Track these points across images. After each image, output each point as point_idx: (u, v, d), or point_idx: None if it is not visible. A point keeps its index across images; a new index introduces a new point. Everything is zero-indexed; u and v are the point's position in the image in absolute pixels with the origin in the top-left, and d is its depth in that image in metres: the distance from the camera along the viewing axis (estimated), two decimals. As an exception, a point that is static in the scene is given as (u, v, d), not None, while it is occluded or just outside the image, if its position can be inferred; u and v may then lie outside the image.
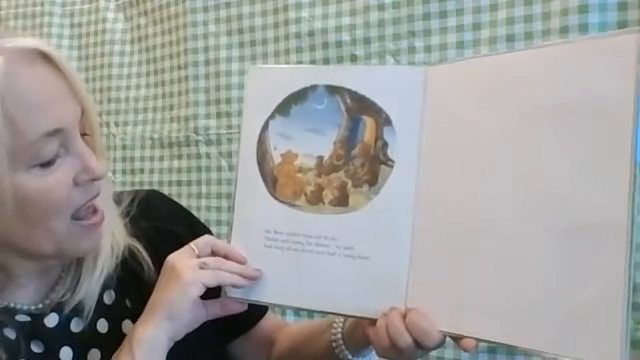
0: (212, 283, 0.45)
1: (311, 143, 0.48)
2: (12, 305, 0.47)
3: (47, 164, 0.42)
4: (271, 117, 0.49)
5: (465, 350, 0.40)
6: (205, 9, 0.91)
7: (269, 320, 0.58)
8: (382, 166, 0.46)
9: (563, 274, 0.37)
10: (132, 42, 1.02)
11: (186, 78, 0.95)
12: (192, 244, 0.46)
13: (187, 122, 0.96)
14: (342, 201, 0.47)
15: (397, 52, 0.78)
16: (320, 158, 0.48)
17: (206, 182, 0.94)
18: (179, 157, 0.96)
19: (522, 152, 0.40)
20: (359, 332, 0.48)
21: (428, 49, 0.76)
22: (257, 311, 0.56)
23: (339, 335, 0.51)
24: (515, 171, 0.40)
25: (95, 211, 0.45)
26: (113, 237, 0.49)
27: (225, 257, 0.47)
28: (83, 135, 0.45)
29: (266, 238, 0.48)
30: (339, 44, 0.82)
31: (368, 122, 0.47)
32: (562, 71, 0.39)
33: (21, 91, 0.40)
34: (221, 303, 0.48)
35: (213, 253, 0.47)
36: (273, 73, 0.52)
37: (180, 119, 0.97)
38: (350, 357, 0.50)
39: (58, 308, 0.48)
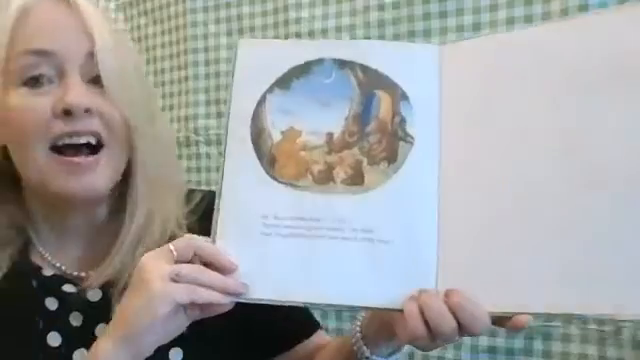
0: (184, 300, 0.39)
1: (318, 119, 0.45)
2: (62, 267, 0.50)
3: (34, 86, 0.45)
4: (269, 91, 0.46)
5: (515, 329, 0.38)
6: (205, 9, 0.93)
7: (315, 340, 0.55)
8: (401, 142, 0.44)
9: (616, 229, 0.37)
10: (132, 42, 1.04)
11: (186, 78, 0.96)
12: (171, 245, 0.41)
13: (187, 122, 0.96)
14: (356, 180, 0.43)
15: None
16: (330, 135, 0.45)
17: (206, 182, 0.94)
18: (179, 157, 0.95)
19: (557, 118, 0.40)
20: (376, 322, 0.45)
21: (428, 49, 0.79)
22: (306, 329, 0.54)
23: (357, 330, 0.46)
24: (550, 136, 0.40)
25: (81, 151, 0.46)
26: (163, 224, 0.50)
27: (210, 263, 0.41)
28: (96, 79, 0.47)
29: (264, 225, 0.43)
30: (339, 44, 0.85)
31: (383, 97, 0.45)
32: (597, 38, 0.40)
33: (33, 17, 0.47)
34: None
35: (196, 257, 0.41)
36: (269, 47, 0.49)
37: (180, 119, 0.98)
38: (368, 355, 0.46)
39: (103, 284, 0.48)
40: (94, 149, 0.47)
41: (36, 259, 0.51)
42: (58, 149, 0.46)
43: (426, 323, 0.38)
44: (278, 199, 0.44)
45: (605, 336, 0.65)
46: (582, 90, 0.39)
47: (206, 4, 0.92)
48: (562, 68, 0.40)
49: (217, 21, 0.92)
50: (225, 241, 0.43)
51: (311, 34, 0.84)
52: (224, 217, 0.44)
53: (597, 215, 0.37)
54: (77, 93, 0.45)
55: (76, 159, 0.46)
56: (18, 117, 0.46)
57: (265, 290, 0.42)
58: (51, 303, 0.49)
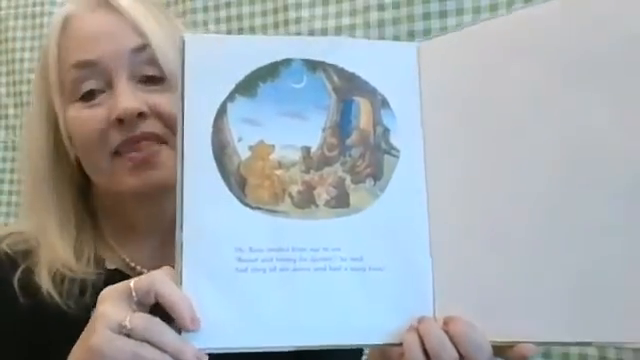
0: None
1: (291, 131, 0.41)
2: (127, 260, 0.50)
3: (87, 99, 0.47)
4: (230, 98, 0.40)
5: (522, 358, 0.37)
6: (205, 9, 0.94)
7: None
8: (386, 156, 0.41)
9: (630, 243, 0.34)
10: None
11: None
12: (132, 283, 0.37)
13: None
14: (341, 201, 0.40)
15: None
16: (306, 149, 0.41)
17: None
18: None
19: (555, 112, 0.38)
20: (376, 354, 0.44)
21: (428, 49, 0.81)
22: None
23: None
24: (550, 135, 0.38)
25: (139, 149, 0.47)
26: None
27: (170, 311, 0.37)
28: (150, 76, 0.47)
29: (238, 259, 0.38)
30: (339, 44, 0.86)
31: (362, 104, 0.42)
32: (575, 21, 0.37)
33: (74, 30, 0.49)
34: None
35: (157, 303, 0.37)
36: (226, 45, 0.43)
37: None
38: None
39: None
40: (158, 143, 0.48)
41: (102, 251, 0.51)
42: (119, 153, 0.48)
43: (426, 354, 0.37)
44: (252, 228, 0.39)
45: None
46: (579, 79, 0.37)
47: (206, 4, 0.93)
48: (554, 55, 0.38)
49: (217, 21, 0.93)
50: (192, 282, 0.37)
51: (311, 34, 0.85)
52: (189, 252, 0.38)
53: (607, 230, 0.35)
54: (126, 99, 0.46)
55: (134, 154, 0.47)
56: (77, 131, 0.48)
57: (244, 337, 0.37)
58: None
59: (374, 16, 0.81)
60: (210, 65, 0.40)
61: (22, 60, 1.02)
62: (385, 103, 0.42)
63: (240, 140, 0.40)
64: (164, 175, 0.47)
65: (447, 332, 0.37)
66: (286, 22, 0.87)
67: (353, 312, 0.38)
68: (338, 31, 0.84)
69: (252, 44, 0.43)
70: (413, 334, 0.37)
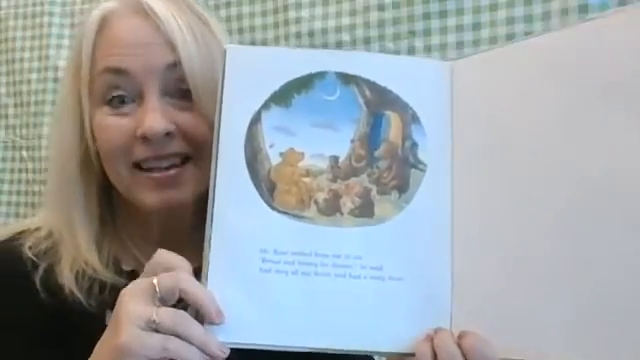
0: (157, 355, 0.37)
1: (321, 140, 0.43)
2: (143, 260, 0.48)
3: (116, 105, 0.47)
4: (265, 107, 0.43)
5: None
6: (205, 9, 0.95)
7: None
8: (413, 170, 0.43)
9: None
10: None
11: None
12: (156, 280, 0.38)
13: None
14: (366, 211, 0.42)
15: (397, 52, 0.82)
16: (335, 159, 0.43)
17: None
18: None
19: (577, 139, 0.39)
20: None
21: (428, 49, 0.80)
22: None
23: None
24: (571, 161, 0.39)
25: (166, 168, 0.47)
26: None
27: (195, 306, 0.39)
28: (183, 91, 0.47)
29: (262, 260, 0.41)
30: (339, 44, 0.86)
31: (393, 118, 0.44)
32: (611, 44, 0.38)
33: (111, 33, 0.48)
34: None
35: (180, 299, 0.39)
36: (264, 56, 0.45)
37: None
38: None
39: None
40: (182, 161, 0.48)
41: (120, 252, 0.52)
42: (141, 166, 0.48)
43: None
44: (278, 231, 0.41)
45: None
46: (609, 103, 0.38)
47: (206, 4, 0.94)
48: (585, 78, 0.39)
49: (217, 21, 0.94)
50: (217, 279, 0.40)
51: (311, 34, 0.86)
52: (216, 250, 0.40)
53: (622, 254, 0.36)
54: (154, 118, 0.46)
55: (156, 174, 0.47)
56: (102, 137, 0.48)
57: (264, 334, 0.39)
58: None
59: (374, 16, 0.82)
60: (248, 74, 0.43)
61: (22, 60, 1.03)
62: (416, 118, 0.43)
63: (272, 146, 0.42)
64: (184, 194, 0.48)
65: (460, 346, 0.38)
66: (286, 22, 0.88)
67: (370, 319, 0.40)
68: (338, 31, 0.85)
69: (289, 56, 0.46)
70: (427, 345, 0.38)
